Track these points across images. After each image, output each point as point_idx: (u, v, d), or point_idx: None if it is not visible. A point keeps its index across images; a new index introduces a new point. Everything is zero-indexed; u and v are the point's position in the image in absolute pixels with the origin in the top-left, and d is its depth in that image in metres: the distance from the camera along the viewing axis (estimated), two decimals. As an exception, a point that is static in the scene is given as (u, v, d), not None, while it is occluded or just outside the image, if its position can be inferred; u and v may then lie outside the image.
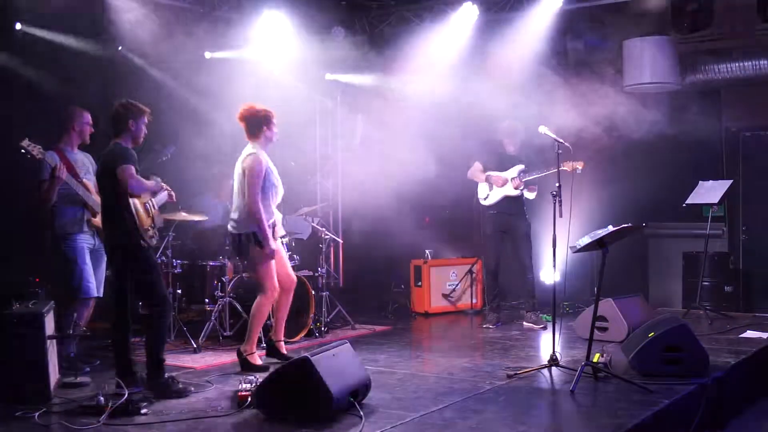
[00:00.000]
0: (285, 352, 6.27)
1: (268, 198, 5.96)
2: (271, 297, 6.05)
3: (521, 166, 7.92)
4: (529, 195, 7.96)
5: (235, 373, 5.85)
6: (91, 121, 6.12)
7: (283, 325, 6.32)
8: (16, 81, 7.16)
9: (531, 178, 7.77)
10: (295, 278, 6.31)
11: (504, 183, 7.94)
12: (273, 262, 6.00)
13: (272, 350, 6.26)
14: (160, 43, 7.97)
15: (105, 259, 6.07)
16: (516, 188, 7.90)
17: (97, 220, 5.94)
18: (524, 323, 8.08)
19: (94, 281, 6.01)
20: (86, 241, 5.99)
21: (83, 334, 5.95)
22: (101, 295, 6.12)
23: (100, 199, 5.42)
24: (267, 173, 5.93)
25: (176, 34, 8.08)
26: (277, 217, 6.14)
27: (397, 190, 9.27)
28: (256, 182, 5.84)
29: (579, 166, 7.26)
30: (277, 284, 6.06)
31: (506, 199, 7.98)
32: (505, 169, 8.01)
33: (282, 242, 6.40)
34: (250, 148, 6.02)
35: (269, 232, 5.91)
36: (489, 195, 8.07)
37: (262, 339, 6.45)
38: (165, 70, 8.29)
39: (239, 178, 5.96)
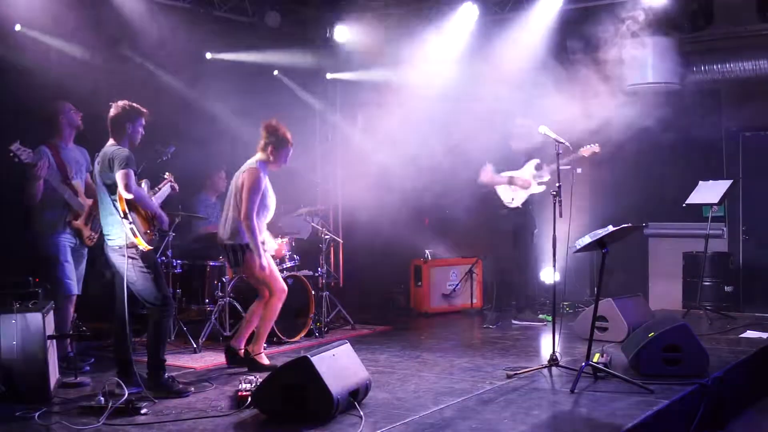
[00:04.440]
0: (267, 362, 6.06)
1: (259, 215, 5.93)
2: (282, 296, 6.05)
3: (537, 160, 7.88)
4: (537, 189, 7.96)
5: (235, 373, 5.84)
6: (74, 108, 6.11)
7: (265, 337, 6.18)
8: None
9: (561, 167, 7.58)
10: (285, 288, 6.22)
11: (528, 185, 7.88)
12: (272, 263, 6.01)
13: (252, 363, 6.03)
14: (163, 42, 8.00)
15: (85, 257, 6.13)
16: (541, 183, 7.82)
17: (78, 223, 5.98)
18: (523, 321, 8.06)
19: (74, 279, 6.00)
20: (68, 240, 5.99)
21: (82, 333, 5.96)
22: (79, 293, 6.10)
23: (99, 201, 5.40)
24: (264, 191, 5.91)
25: (178, 35, 8.09)
26: (266, 235, 6.14)
27: (397, 189, 9.26)
28: (254, 197, 5.83)
29: (596, 149, 7.50)
30: (283, 284, 6.06)
31: (531, 198, 7.95)
32: (516, 168, 7.97)
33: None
34: (253, 161, 5.99)
35: (260, 245, 5.91)
36: (515, 197, 7.97)
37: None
38: (168, 70, 8.29)
39: (235, 190, 5.94)
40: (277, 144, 5.99)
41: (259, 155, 6.02)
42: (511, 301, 8.30)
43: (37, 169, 5.71)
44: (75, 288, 6.00)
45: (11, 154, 5.55)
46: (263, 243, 5.99)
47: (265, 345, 6.80)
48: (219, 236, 6.09)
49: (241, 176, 5.94)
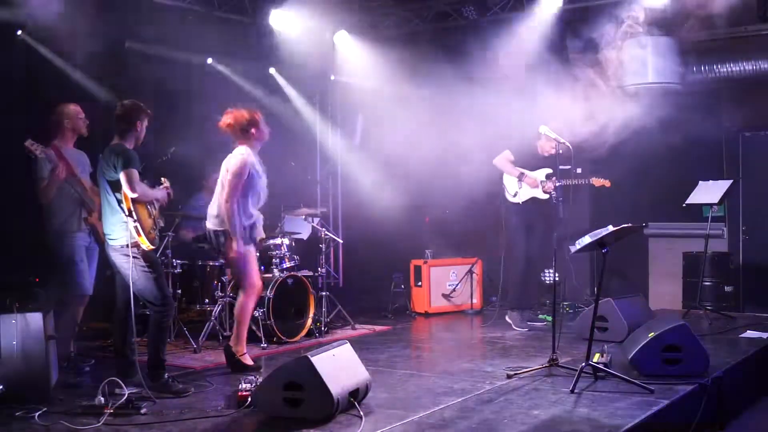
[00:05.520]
0: (251, 362, 6.01)
1: (249, 199, 5.91)
2: (254, 293, 6.01)
3: (548, 170, 7.86)
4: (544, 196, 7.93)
5: (235, 373, 5.84)
6: (82, 114, 6.13)
7: (245, 336, 6.08)
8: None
9: (562, 184, 7.54)
10: (261, 284, 6.15)
11: (535, 185, 7.86)
12: (253, 258, 5.96)
13: (235, 364, 5.98)
14: (164, 43, 8.01)
15: (97, 257, 6.12)
16: (546, 192, 7.80)
17: (93, 219, 5.97)
18: (530, 323, 8.04)
19: (88, 279, 6.02)
20: (82, 239, 6.01)
21: (82, 333, 5.96)
22: (91, 293, 6.11)
23: (101, 200, 5.41)
24: (251, 176, 5.88)
25: (179, 36, 8.10)
26: (258, 219, 6.08)
27: (397, 190, 9.27)
28: (237, 183, 5.80)
29: (606, 184, 7.71)
30: (258, 280, 6.04)
31: (533, 199, 7.93)
32: (533, 169, 7.95)
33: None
34: (241, 149, 5.96)
35: (244, 233, 5.87)
36: (518, 192, 7.93)
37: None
38: (167, 70, 8.30)
39: (222, 176, 5.94)
40: (253, 125, 5.96)
41: (241, 146, 5.97)
42: (519, 300, 8.22)
43: (58, 172, 5.76)
44: (89, 288, 6.01)
45: (26, 150, 5.57)
46: (250, 228, 5.95)
47: (264, 345, 6.84)
48: (206, 222, 6.08)
49: (225, 163, 5.93)
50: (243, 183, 5.83)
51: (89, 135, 6.18)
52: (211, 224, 6.00)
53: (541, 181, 7.85)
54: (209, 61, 8.96)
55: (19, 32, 7.33)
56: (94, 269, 6.17)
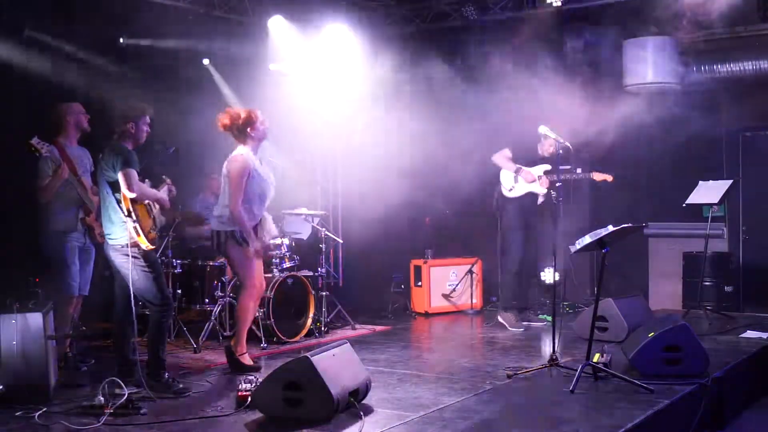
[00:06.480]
0: (250, 362, 6.01)
1: (252, 200, 5.90)
2: (254, 294, 6.00)
3: (547, 166, 7.87)
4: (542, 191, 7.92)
5: (235, 373, 5.84)
6: (83, 110, 6.14)
7: (245, 336, 6.07)
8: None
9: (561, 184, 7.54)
10: (264, 285, 6.16)
11: (533, 180, 7.85)
12: (254, 259, 5.96)
13: (234, 362, 5.99)
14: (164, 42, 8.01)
15: (93, 257, 6.14)
16: (543, 186, 7.82)
17: (90, 219, 5.98)
18: (523, 321, 8.04)
19: (78, 281, 6.01)
20: (77, 239, 6.01)
21: (82, 333, 5.96)
22: (87, 293, 6.11)
23: (100, 200, 5.42)
24: (252, 176, 5.87)
25: (179, 35, 8.10)
26: (267, 218, 6.10)
27: (397, 190, 9.27)
28: (239, 185, 5.80)
29: (609, 178, 7.68)
30: (260, 280, 6.05)
31: (530, 194, 7.93)
32: (530, 166, 7.96)
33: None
34: (240, 149, 5.98)
35: (251, 233, 5.88)
36: (514, 187, 7.92)
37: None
38: (166, 69, 8.30)
39: (224, 178, 5.95)
40: (249, 125, 5.95)
41: (240, 146, 5.99)
42: (513, 300, 8.21)
43: (62, 169, 5.78)
44: (77, 290, 6.01)
45: (32, 149, 5.58)
46: (258, 228, 5.95)
47: (264, 345, 6.84)
48: (211, 222, 6.11)
49: (226, 166, 5.95)
50: (245, 184, 5.83)
51: (92, 135, 6.18)
52: (213, 224, 6.05)
53: (539, 176, 7.86)
54: (206, 61, 8.96)
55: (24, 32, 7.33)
56: (91, 270, 6.17)
